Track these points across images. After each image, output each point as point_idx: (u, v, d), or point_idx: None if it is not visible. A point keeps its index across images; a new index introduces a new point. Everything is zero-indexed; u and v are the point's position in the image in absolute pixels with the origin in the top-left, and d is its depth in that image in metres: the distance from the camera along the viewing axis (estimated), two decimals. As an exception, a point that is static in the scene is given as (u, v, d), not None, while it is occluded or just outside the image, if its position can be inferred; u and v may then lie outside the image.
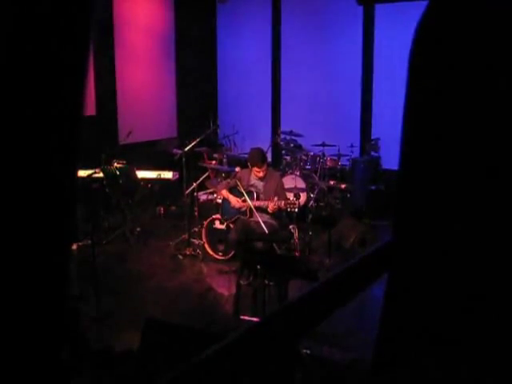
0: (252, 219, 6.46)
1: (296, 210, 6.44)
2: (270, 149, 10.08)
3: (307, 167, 9.13)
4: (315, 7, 10.48)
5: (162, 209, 9.03)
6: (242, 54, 11.48)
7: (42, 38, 0.50)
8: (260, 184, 6.62)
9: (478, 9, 0.59)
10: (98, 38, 8.76)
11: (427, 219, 0.65)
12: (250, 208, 6.39)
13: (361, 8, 9.72)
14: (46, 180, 0.52)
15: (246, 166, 7.02)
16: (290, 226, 6.95)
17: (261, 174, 6.55)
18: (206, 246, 7.13)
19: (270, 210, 6.35)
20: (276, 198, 6.39)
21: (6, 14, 0.48)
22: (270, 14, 11.08)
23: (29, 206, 0.51)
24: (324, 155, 9.16)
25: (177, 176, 8.20)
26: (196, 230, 7.46)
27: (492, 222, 0.60)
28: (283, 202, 6.33)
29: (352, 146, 9.29)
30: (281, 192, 6.59)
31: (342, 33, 10.26)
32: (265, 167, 6.56)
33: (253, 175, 6.65)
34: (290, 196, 6.81)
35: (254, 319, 5.03)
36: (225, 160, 9.25)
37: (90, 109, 8.91)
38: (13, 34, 0.49)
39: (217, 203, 7.30)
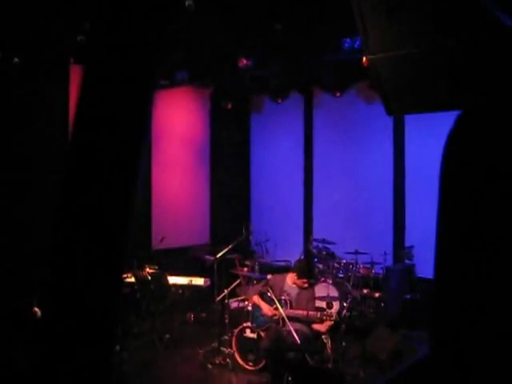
0: (284, 328, 6.33)
1: (333, 321, 6.33)
2: (303, 256, 10.03)
3: (340, 275, 9.01)
4: (346, 116, 10.78)
5: (192, 315, 8.93)
6: (275, 162, 11.73)
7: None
8: (294, 292, 6.55)
9: (509, 120, 0.60)
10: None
11: (467, 330, 0.62)
12: (283, 316, 6.28)
13: (391, 116, 9.96)
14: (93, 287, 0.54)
15: (278, 273, 6.99)
16: (323, 336, 6.77)
17: (306, 285, 6.55)
18: (236, 355, 6.95)
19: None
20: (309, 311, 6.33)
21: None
22: (302, 123, 11.42)
23: (75, 311, 0.53)
24: (357, 263, 9.05)
25: (208, 282, 8.16)
26: (226, 338, 7.31)
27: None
28: (319, 313, 6.25)
29: (385, 253, 9.18)
30: (312, 302, 6.55)
31: (373, 140, 10.46)
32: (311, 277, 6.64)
33: (289, 282, 6.61)
34: (323, 305, 6.70)
35: None
36: (257, 267, 9.21)
37: (125, 214, 9.07)
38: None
39: (248, 311, 7.19)
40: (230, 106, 11.04)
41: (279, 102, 11.06)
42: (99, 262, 0.58)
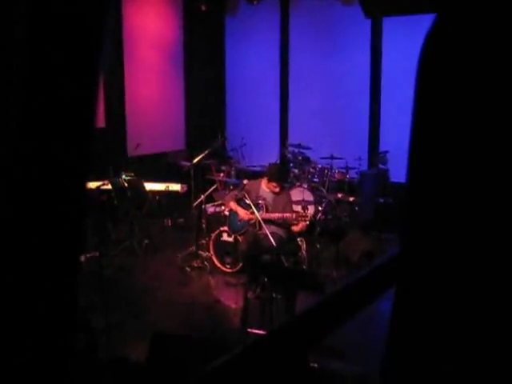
0: (260, 231, 6.46)
1: (308, 222, 6.44)
2: (278, 161, 10.09)
3: (315, 180, 9.12)
4: (323, 19, 10.53)
5: (169, 221, 9.04)
6: (250, 66, 11.52)
7: (55, 49, 0.51)
8: (270, 196, 6.61)
9: (487, 21, 0.59)
10: (108, 50, 8.82)
11: (435, 233, 0.64)
12: (259, 220, 6.38)
13: (369, 20, 9.76)
14: (57, 191, 0.52)
15: (254, 178, 7.03)
16: (298, 239, 6.94)
17: (277, 190, 6.55)
18: (214, 258, 7.12)
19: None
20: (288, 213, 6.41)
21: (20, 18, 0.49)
22: (279, 27, 11.14)
23: (40, 216, 0.52)
24: (332, 168, 9.15)
25: (185, 188, 8.21)
26: (204, 242, 7.45)
27: (501, 236, 0.59)
28: (294, 215, 6.34)
29: (360, 158, 9.28)
30: (289, 206, 6.61)
31: (350, 45, 10.29)
32: (283, 182, 6.63)
33: (264, 187, 6.65)
34: (298, 208, 6.80)
35: (262, 332, 5.01)
36: (233, 172, 9.26)
37: (99, 121, 8.95)
38: (28, 39, 0.49)
39: (224, 215, 7.30)
40: (203, 8, 10.68)
41: (255, 3, 10.72)
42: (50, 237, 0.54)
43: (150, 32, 10.27)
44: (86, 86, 0.54)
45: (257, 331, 5.03)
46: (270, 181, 6.53)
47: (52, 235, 0.53)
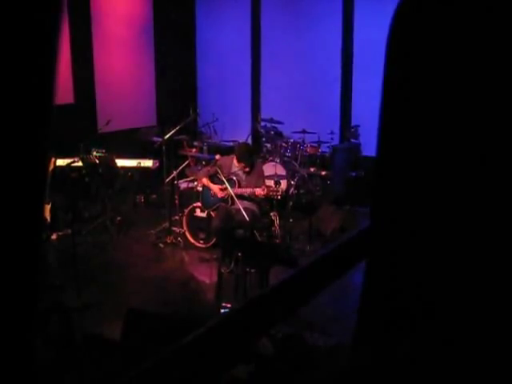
0: (233, 207, 6.47)
1: (279, 197, 6.45)
2: (250, 136, 10.07)
3: (287, 154, 9.13)
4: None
5: (142, 197, 8.99)
6: (221, 42, 11.41)
7: (8, 18, 0.48)
8: (242, 172, 6.62)
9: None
10: (74, 24, 8.64)
11: (404, 205, 0.65)
12: (231, 195, 6.39)
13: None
14: (13, 169, 0.50)
15: (227, 154, 7.01)
16: (271, 213, 6.96)
17: (247, 169, 6.55)
18: (187, 234, 7.12)
19: (257, 193, 6.36)
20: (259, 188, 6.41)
21: None
22: (250, 1, 11.02)
23: None
24: (304, 142, 9.16)
25: (157, 164, 8.14)
26: (177, 218, 7.44)
27: (466, 208, 0.60)
28: (266, 190, 6.34)
29: (332, 132, 9.30)
30: (262, 181, 6.61)
31: (322, 19, 10.24)
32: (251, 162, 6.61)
33: (235, 163, 6.65)
34: (271, 183, 6.81)
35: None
36: (205, 148, 9.21)
37: (69, 97, 8.80)
38: None
39: (197, 191, 7.28)
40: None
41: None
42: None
43: (119, 6, 10.07)
44: (42, 54, 0.50)
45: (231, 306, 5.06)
46: (239, 161, 6.53)
47: (8, 219, 0.50)
